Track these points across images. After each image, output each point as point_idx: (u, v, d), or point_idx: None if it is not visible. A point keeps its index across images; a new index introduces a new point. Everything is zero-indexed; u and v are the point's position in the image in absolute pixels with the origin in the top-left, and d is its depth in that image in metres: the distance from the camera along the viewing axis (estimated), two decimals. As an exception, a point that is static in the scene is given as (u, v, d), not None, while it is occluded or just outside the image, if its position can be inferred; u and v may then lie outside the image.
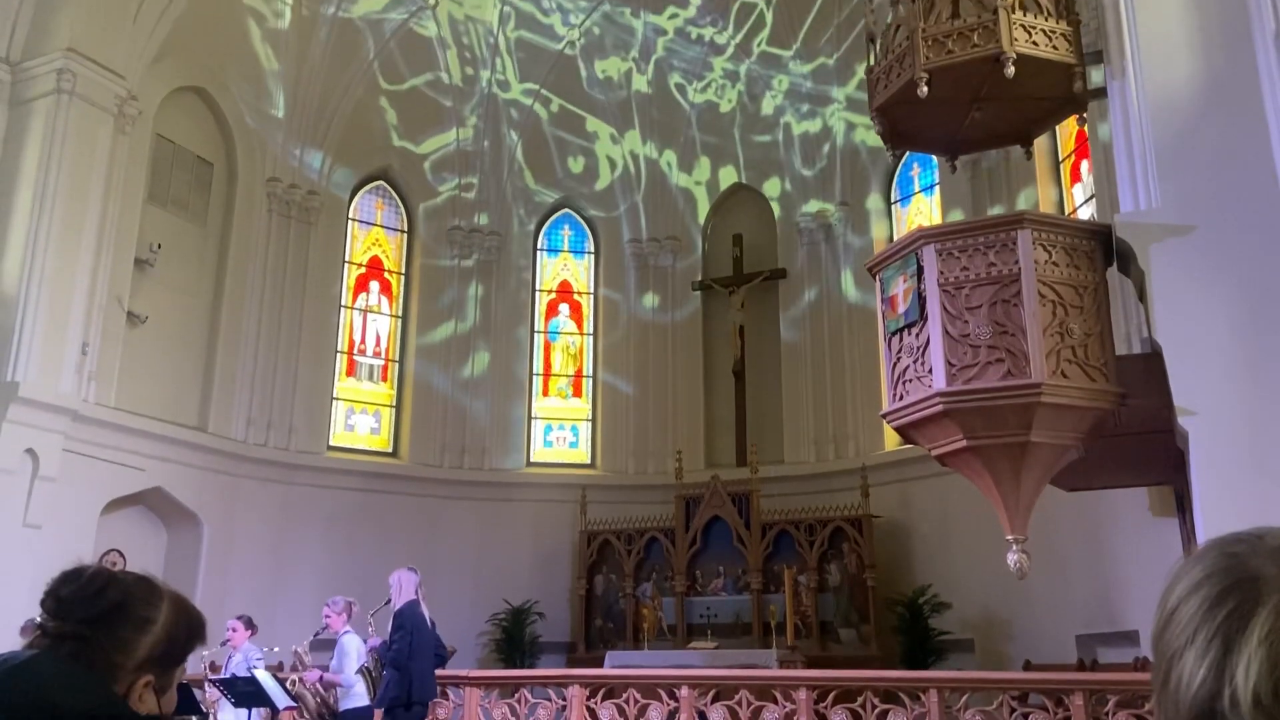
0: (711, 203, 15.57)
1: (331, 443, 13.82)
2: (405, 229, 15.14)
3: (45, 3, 10.80)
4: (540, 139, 15.34)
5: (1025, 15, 5.58)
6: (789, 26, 14.50)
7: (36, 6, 10.82)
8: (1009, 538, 5.26)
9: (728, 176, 15.49)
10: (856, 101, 14.19)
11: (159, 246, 11.97)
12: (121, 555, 11.18)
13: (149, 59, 11.71)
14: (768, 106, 15.12)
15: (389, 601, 7.58)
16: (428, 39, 14.40)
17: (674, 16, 14.86)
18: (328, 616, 7.89)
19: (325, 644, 8.15)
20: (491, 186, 15.08)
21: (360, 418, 14.34)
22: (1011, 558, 5.23)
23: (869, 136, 14.15)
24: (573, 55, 15.05)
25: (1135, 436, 5.56)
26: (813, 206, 14.67)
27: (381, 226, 14.99)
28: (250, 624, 8.34)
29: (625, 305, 15.42)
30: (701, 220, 15.50)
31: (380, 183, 14.95)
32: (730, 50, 14.99)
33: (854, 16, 13.57)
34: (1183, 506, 6.45)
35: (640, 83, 15.31)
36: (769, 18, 14.58)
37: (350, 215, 14.65)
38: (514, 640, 13.32)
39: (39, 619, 1.40)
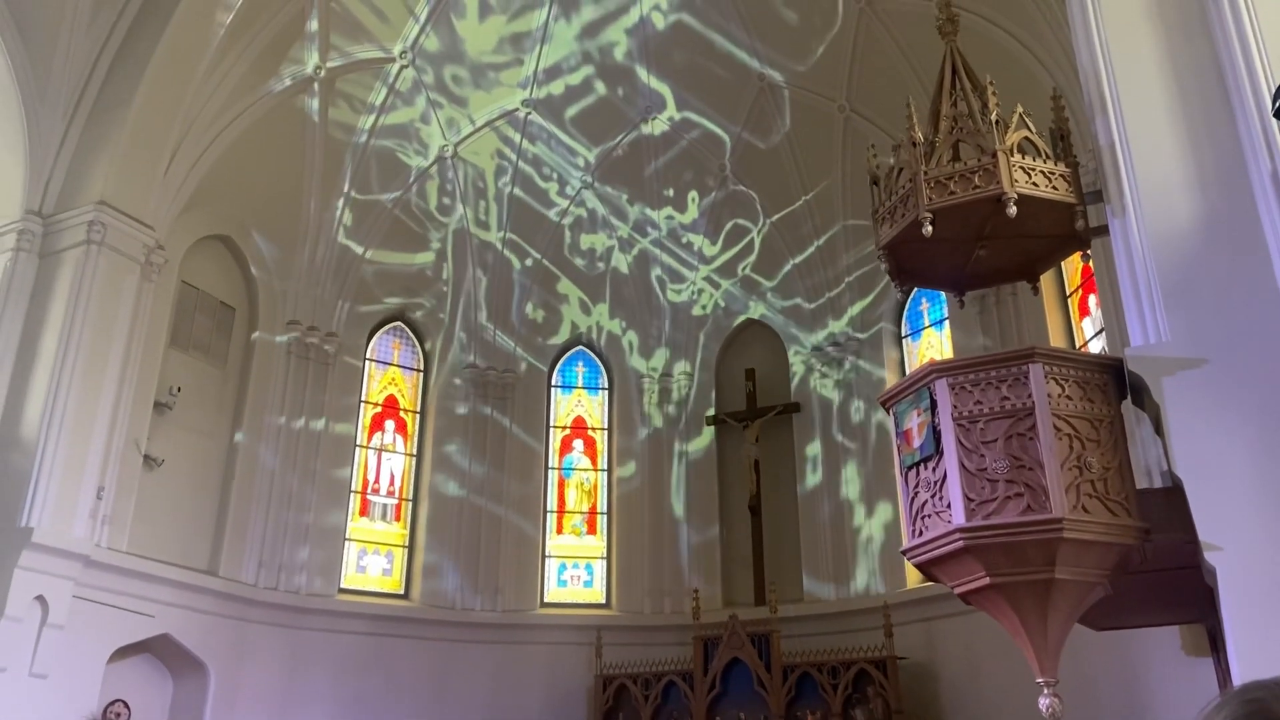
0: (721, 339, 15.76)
1: (343, 585, 13.62)
2: (421, 368, 15.31)
3: (80, 158, 11.29)
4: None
5: (1024, 158, 5.77)
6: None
7: (71, 162, 11.30)
8: (1039, 680, 5.10)
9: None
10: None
11: (178, 390, 12.12)
12: (127, 706, 10.90)
13: (178, 210, 12.14)
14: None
15: None
16: (411, 166, 14.72)
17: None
18: None
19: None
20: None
21: (372, 558, 14.17)
22: (1043, 702, 5.05)
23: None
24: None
25: (1163, 573, 5.45)
26: (824, 339, 14.79)
27: (398, 366, 15.18)
28: None
29: (640, 441, 15.40)
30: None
31: (397, 323, 15.22)
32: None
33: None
34: (1216, 645, 6.25)
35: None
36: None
37: (368, 355, 14.86)
38: (527, 793, 12.78)
39: None
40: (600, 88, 14.83)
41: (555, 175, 15.35)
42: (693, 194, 15.41)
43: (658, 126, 15.08)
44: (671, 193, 15.45)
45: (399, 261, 14.95)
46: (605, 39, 14.46)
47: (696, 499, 14.92)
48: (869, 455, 13.93)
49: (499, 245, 15.35)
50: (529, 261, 15.53)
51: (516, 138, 15.02)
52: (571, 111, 14.94)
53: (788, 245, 15.08)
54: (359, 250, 14.53)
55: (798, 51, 14.01)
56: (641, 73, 14.68)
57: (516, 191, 15.28)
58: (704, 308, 15.70)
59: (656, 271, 15.74)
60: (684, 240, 15.63)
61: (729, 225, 15.42)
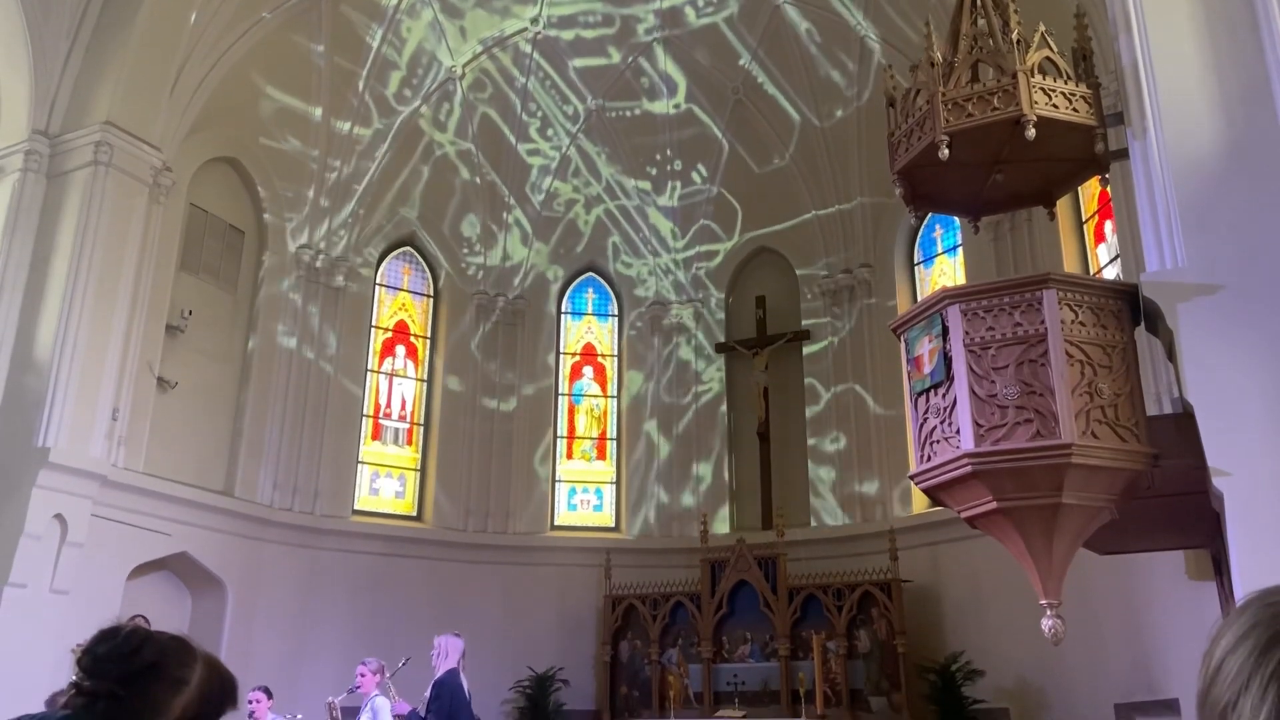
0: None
1: (356, 507, 13.83)
2: (431, 294, 15.30)
3: (85, 78, 11.14)
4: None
5: (1044, 79, 5.63)
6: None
7: (76, 82, 11.15)
8: (1043, 602, 5.16)
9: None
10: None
11: (190, 313, 12.16)
12: (146, 621, 11.13)
13: (184, 131, 12.02)
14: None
15: (433, 665, 7.53)
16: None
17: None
18: (362, 675, 7.89)
19: (352, 707, 8.10)
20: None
21: (385, 481, 14.36)
22: (1046, 623, 5.12)
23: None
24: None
25: (1169, 498, 5.47)
26: (836, 268, 14.71)
27: (408, 291, 15.17)
28: (269, 693, 8.36)
29: (649, 367, 15.45)
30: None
31: (408, 249, 15.17)
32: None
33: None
34: (1220, 570, 6.32)
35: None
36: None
37: (378, 280, 14.84)
38: (538, 708, 13.12)
39: (74, 677, 1.40)
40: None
41: (540, 113, 15.17)
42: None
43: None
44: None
45: (411, 184, 14.82)
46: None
47: (706, 425, 15.01)
48: (879, 382, 13.95)
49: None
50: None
51: (513, 68, 14.81)
52: (577, 63, 14.80)
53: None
54: (372, 173, 14.37)
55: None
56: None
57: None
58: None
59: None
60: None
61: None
